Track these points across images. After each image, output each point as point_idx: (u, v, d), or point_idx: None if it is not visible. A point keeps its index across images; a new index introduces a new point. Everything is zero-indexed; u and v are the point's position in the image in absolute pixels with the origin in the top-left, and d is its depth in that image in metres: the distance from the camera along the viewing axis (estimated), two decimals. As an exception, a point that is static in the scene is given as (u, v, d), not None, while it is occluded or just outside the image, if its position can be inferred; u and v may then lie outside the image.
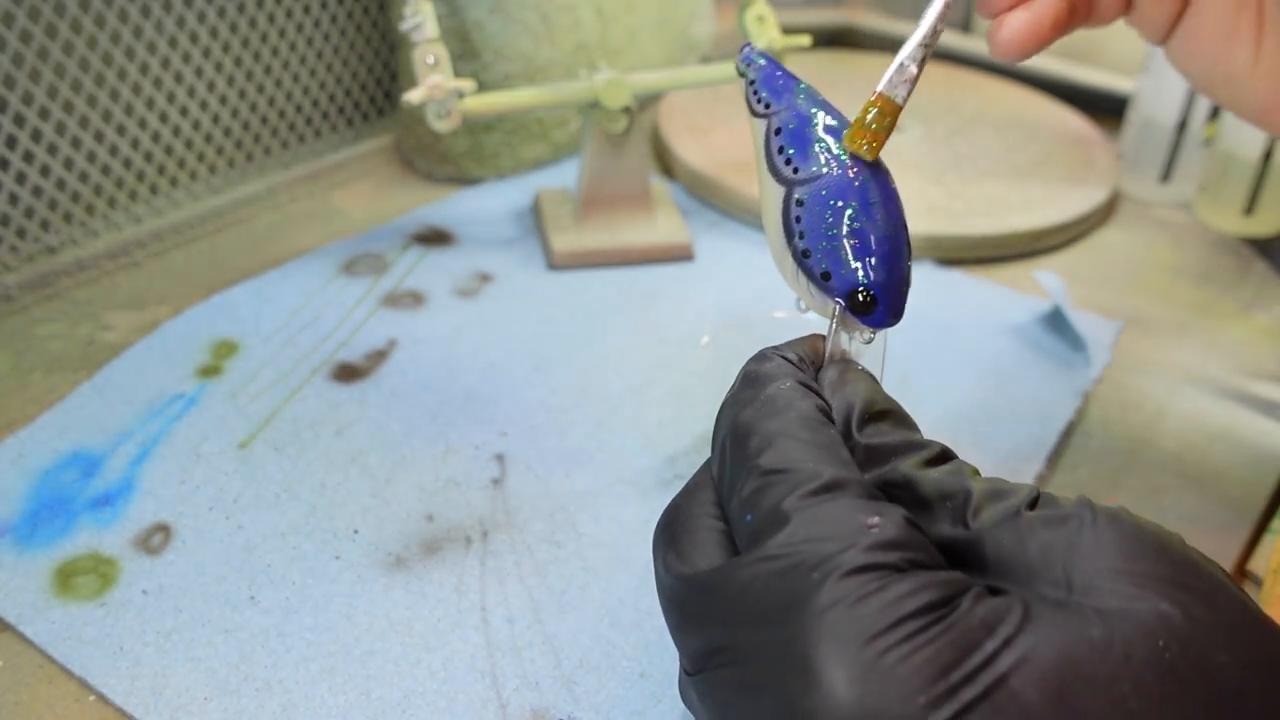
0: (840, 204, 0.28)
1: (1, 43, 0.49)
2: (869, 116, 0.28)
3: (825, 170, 0.28)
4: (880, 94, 0.28)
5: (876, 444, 0.25)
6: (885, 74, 0.28)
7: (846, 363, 0.28)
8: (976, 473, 0.25)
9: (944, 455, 0.25)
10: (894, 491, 0.25)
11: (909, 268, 0.28)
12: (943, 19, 0.29)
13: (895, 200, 0.29)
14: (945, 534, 0.23)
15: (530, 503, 0.40)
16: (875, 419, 0.26)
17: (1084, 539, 0.22)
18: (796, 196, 0.29)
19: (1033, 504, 0.23)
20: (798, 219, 0.28)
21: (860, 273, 0.28)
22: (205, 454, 0.41)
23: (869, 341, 0.29)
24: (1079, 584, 0.21)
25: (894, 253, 0.28)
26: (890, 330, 0.29)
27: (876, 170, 0.29)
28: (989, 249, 0.58)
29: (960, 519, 0.23)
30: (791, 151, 0.29)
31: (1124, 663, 0.19)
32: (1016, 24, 0.31)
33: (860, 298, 0.28)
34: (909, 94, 0.28)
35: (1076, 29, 0.34)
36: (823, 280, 0.28)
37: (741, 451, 0.25)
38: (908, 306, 0.28)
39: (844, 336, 0.28)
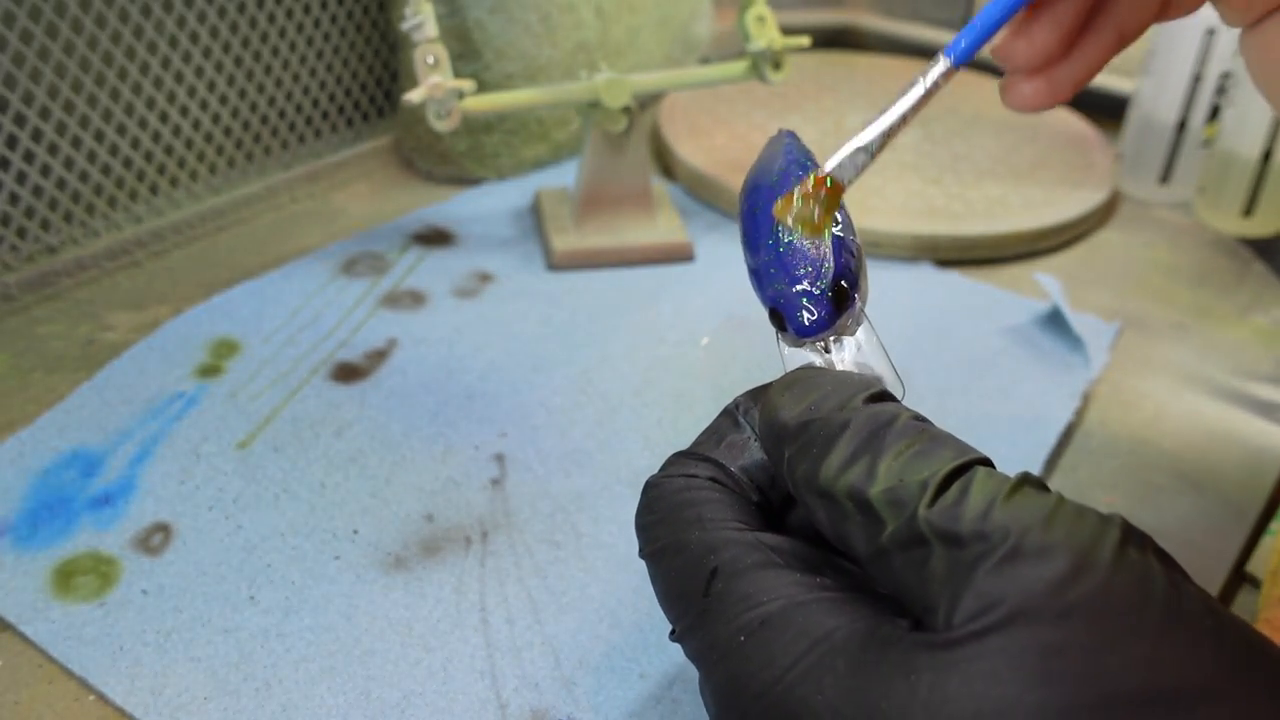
0: (742, 238, 0.29)
1: (2, 42, 0.49)
2: (808, 192, 0.26)
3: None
4: (827, 174, 0.26)
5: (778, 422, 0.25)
6: (837, 153, 0.26)
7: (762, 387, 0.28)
8: (918, 417, 0.23)
9: (881, 396, 0.24)
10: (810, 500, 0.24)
11: (817, 271, 0.27)
12: (915, 111, 0.26)
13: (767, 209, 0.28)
14: (860, 552, 0.23)
15: (530, 503, 0.40)
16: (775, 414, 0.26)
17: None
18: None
19: (942, 488, 0.21)
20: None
21: (759, 293, 0.28)
22: (205, 454, 0.41)
23: (827, 351, 0.28)
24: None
25: (775, 263, 0.27)
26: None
27: (759, 192, 0.29)
28: (988, 250, 0.58)
29: (868, 537, 0.22)
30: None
31: None
32: (1030, 94, 0.28)
33: (774, 315, 0.28)
34: (853, 179, 0.26)
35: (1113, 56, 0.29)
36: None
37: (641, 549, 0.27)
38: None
39: (815, 358, 0.28)
